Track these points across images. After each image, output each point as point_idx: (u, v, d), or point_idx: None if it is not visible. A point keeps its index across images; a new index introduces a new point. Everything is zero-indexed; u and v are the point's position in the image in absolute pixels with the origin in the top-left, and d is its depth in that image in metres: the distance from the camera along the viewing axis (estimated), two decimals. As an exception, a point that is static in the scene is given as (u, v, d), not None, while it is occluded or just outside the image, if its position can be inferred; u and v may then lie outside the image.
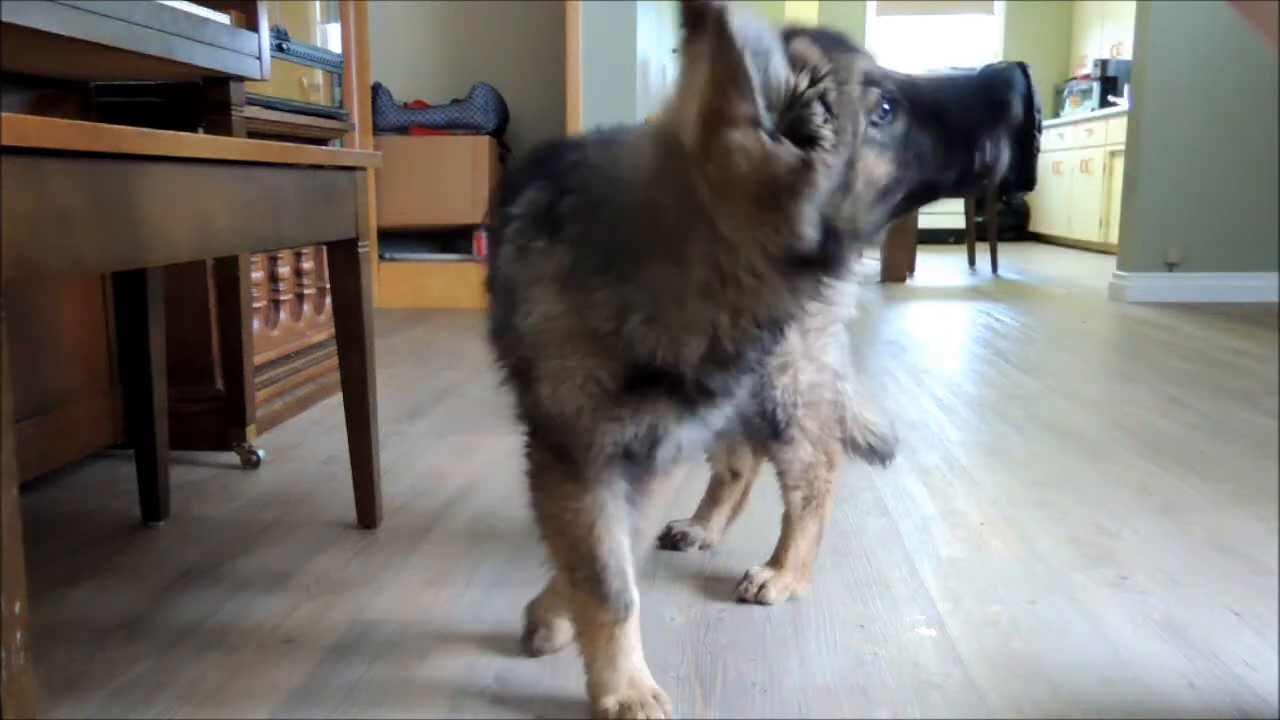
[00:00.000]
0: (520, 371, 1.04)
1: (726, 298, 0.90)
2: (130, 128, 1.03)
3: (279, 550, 1.60)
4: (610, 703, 1.07)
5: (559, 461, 1.05)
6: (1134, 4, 4.77)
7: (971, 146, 0.90)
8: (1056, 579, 1.48)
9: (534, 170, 1.06)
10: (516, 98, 4.81)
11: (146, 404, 1.72)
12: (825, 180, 0.83)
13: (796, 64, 0.83)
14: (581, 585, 1.08)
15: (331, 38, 3.25)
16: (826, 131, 0.83)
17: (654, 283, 0.91)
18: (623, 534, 1.08)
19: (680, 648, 1.26)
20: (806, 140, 0.82)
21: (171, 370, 1.80)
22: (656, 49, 5.77)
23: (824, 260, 0.87)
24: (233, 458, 2.08)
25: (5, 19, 1.21)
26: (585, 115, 4.51)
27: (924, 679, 1.19)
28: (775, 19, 0.88)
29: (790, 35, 0.85)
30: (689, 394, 0.97)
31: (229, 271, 2.03)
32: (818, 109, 0.83)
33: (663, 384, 0.96)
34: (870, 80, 0.86)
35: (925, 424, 2.44)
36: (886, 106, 0.87)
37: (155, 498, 1.72)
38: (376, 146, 4.41)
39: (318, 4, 3.11)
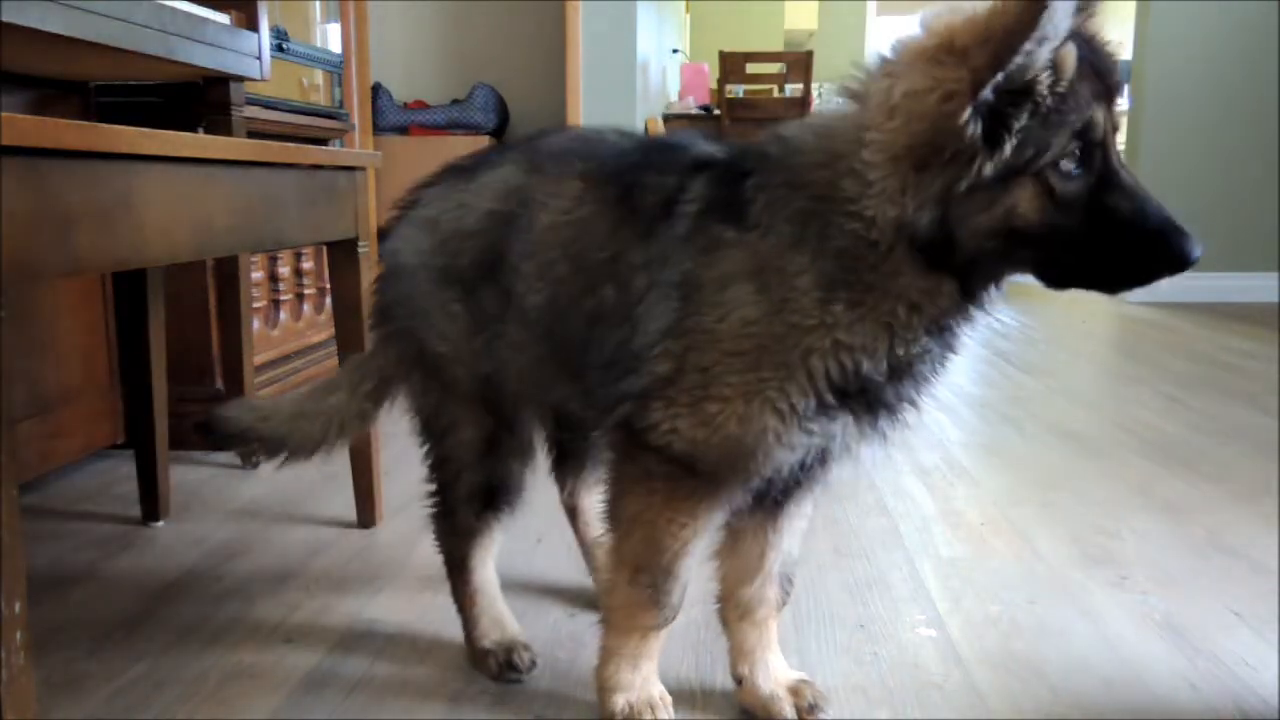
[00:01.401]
0: (697, 384, 0.90)
1: (884, 277, 0.84)
2: (130, 128, 1.04)
3: (279, 550, 1.60)
4: (620, 701, 1.06)
5: (695, 480, 0.95)
6: (1134, 4, 4.77)
7: (1114, 268, 0.83)
8: (1056, 579, 1.48)
9: (669, 161, 0.98)
10: (516, 98, 4.81)
11: (146, 404, 1.72)
12: (969, 182, 0.78)
13: (1054, 65, 0.77)
14: (644, 587, 1.02)
15: (331, 38, 3.24)
16: (1011, 145, 0.78)
17: (844, 251, 0.85)
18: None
19: (680, 648, 1.26)
20: (991, 134, 0.77)
21: (171, 370, 1.80)
22: (656, 49, 5.78)
23: (950, 268, 0.83)
24: (233, 458, 2.08)
25: (5, 19, 1.20)
26: (585, 115, 4.51)
27: (924, 679, 1.19)
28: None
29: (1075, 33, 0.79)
30: (875, 407, 0.91)
31: (229, 271, 2.03)
32: (1024, 119, 0.77)
33: (852, 398, 0.89)
34: (1087, 133, 0.80)
35: (925, 424, 2.43)
36: (1079, 167, 0.80)
37: (155, 498, 1.72)
38: (376, 146, 4.40)
39: (318, 4, 3.11)
